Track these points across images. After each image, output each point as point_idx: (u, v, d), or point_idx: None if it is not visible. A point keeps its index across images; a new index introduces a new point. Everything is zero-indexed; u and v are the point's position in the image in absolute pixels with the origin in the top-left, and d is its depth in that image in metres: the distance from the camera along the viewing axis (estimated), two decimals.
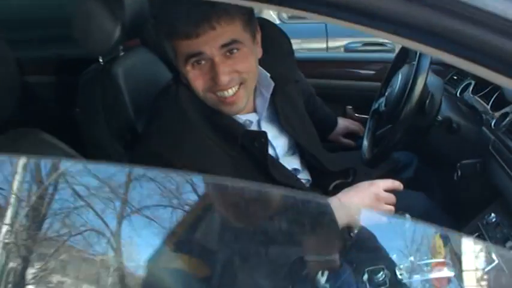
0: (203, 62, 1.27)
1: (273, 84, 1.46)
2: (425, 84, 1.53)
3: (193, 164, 1.29)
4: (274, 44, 1.57)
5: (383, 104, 1.80)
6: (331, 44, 3.57)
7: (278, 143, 1.52)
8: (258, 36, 1.39)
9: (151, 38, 2.19)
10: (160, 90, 1.46)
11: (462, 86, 1.88)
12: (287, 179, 1.45)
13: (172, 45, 1.28)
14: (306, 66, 2.20)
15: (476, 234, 1.47)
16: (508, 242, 1.35)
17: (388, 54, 2.92)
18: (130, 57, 1.74)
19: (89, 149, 1.59)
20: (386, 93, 1.80)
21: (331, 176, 1.71)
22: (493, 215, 1.45)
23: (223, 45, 1.25)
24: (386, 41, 3.12)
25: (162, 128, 1.36)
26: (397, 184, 1.36)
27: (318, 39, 3.57)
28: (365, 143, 1.87)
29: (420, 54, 1.56)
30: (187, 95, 1.37)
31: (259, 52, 1.40)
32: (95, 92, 1.60)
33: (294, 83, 1.65)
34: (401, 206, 1.56)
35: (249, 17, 1.30)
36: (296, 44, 1.51)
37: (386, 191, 1.35)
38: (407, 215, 1.33)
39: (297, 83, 1.65)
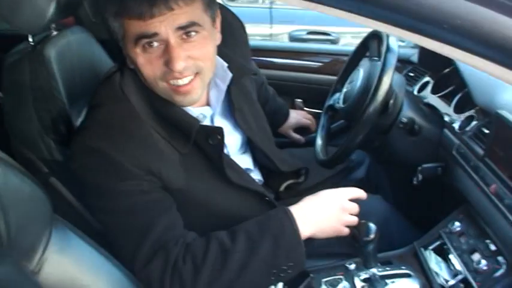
0: (155, 45, 1.12)
1: (230, 75, 1.33)
2: (390, 83, 1.44)
3: (140, 163, 1.16)
4: (231, 31, 1.44)
5: (340, 101, 1.70)
6: (275, 30, 3.47)
7: (230, 141, 1.41)
8: (218, 21, 1.26)
9: (87, 16, 2.00)
10: (102, 78, 1.29)
11: (420, 84, 1.82)
12: (243, 180, 1.35)
13: (120, 24, 1.13)
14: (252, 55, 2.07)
15: (439, 242, 1.41)
16: (474, 253, 1.29)
17: (336, 46, 2.86)
18: (64, 38, 1.53)
19: (15, 144, 1.38)
20: (344, 89, 1.70)
21: (283, 176, 1.61)
22: (456, 223, 1.39)
23: (180, 28, 1.11)
24: (331, 30, 3.06)
25: (104, 121, 1.19)
26: (361, 193, 1.31)
27: (262, 25, 3.45)
28: (319, 141, 1.77)
29: (387, 50, 1.47)
30: (133, 83, 1.22)
31: (218, 38, 1.27)
32: (23, 75, 1.37)
33: (251, 75, 1.52)
34: (360, 210, 1.49)
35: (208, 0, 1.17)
36: None
37: (350, 200, 1.29)
38: (372, 225, 1.25)
39: (254, 75, 1.52)
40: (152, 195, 1.18)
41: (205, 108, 1.33)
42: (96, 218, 1.23)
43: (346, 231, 1.27)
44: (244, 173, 1.40)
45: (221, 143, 1.26)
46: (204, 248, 1.16)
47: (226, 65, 1.34)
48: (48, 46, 1.43)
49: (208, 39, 1.18)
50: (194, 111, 1.27)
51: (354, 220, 1.27)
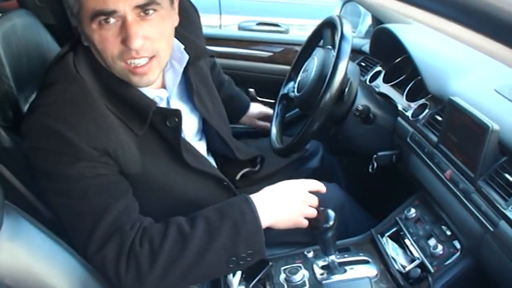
0: (112, 21, 1.09)
1: (187, 57, 1.31)
2: (345, 71, 1.44)
3: (94, 143, 1.12)
4: (187, 15, 1.40)
5: (295, 90, 1.69)
6: (225, 21, 3.43)
7: (187, 125, 1.38)
8: (176, 2, 1.23)
9: (31, 0, 1.90)
10: (54, 58, 1.24)
11: (372, 73, 1.83)
12: (200, 164, 1.34)
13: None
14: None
15: (395, 229, 1.43)
16: (430, 238, 1.31)
17: (288, 35, 2.85)
18: (9, 21, 1.45)
19: None
20: (298, 78, 1.69)
21: (238, 164, 1.59)
22: (412, 210, 1.41)
23: (139, 6, 1.09)
24: (281, 21, 3.06)
25: (57, 100, 1.14)
26: (321, 186, 1.30)
27: (211, 16, 3.41)
28: (273, 130, 1.75)
29: (341, 38, 1.47)
30: (87, 62, 1.19)
31: (176, 19, 1.24)
32: None
33: (208, 58, 1.51)
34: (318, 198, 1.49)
35: None
36: None
37: (310, 192, 1.28)
38: (331, 212, 1.25)
39: (212, 57, 1.49)
40: (107, 178, 1.15)
41: (161, 90, 1.30)
42: (50, 202, 1.17)
43: (305, 222, 1.26)
44: (202, 156, 1.38)
45: (179, 126, 1.24)
46: (162, 232, 1.14)
47: (183, 46, 1.32)
48: None
49: (166, 18, 1.16)
50: (151, 93, 1.24)
51: (313, 212, 1.26)
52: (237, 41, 2.33)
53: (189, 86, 1.37)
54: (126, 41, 1.09)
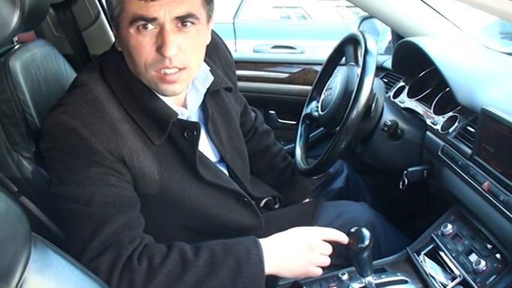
0: (150, 28, 1.12)
1: (212, 78, 1.32)
2: (371, 86, 1.41)
3: (110, 147, 1.14)
4: (214, 48, 1.43)
5: (318, 108, 1.66)
6: (240, 46, 3.44)
7: (203, 147, 1.35)
8: (211, 21, 1.24)
9: (49, 31, 1.92)
10: (88, 64, 1.28)
11: (395, 89, 1.80)
12: (217, 178, 1.31)
13: (120, 2, 1.12)
14: None
15: (431, 246, 1.37)
16: (471, 254, 1.26)
17: (306, 56, 2.84)
18: (29, 51, 1.45)
19: None
20: (322, 97, 1.66)
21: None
22: (449, 225, 1.36)
23: (179, 17, 1.12)
24: (295, 44, 3.05)
25: (79, 100, 1.17)
26: (339, 236, 1.23)
27: (226, 41, 3.42)
28: (298, 151, 1.72)
29: (365, 53, 1.44)
30: (115, 66, 1.22)
31: (208, 38, 1.25)
32: None
33: (239, 98, 1.53)
34: (346, 218, 1.45)
35: None
36: None
37: (327, 240, 1.24)
38: (365, 230, 1.20)
39: (229, 90, 1.46)
40: (116, 189, 1.15)
41: (182, 108, 1.29)
42: (57, 207, 1.17)
43: (317, 271, 1.23)
44: (219, 171, 1.35)
45: (196, 139, 1.24)
46: (163, 253, 1.13)
47: (208, 68, 1.32)
48: (12, 58, 1.34)
49: (201, 34, 1.18)
50: (172, 108, 1.24)
51: (325, 260, 1.23)
52: (254, 63, 2.32)
53: (205, 113, 1.35)
54: (162, 48, 1.11)
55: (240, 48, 3.50)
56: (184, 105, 1.31)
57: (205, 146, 1.38)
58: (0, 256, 0.81)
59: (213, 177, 1.29)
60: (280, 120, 2.24)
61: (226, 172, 1.41)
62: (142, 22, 1.10)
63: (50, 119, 1.17)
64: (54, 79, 1.52)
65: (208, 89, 1.32)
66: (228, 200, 1.34)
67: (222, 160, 1.42)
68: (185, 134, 1.23)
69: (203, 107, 1.35)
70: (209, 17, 1.21)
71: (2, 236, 0.82)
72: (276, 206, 1.62)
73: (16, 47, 1.45)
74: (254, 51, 3.03)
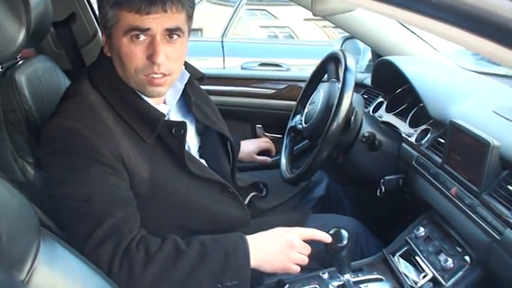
0: (142, 38, 1.25)
1: (188, 75, 1.46)
2: (351, 101, 1.53)
3: (110, 145, 1.24)
4: None
5: (302, 121, 1.78)
6: (228, 63, 3.55)
7: (190, 139, 1.49)
8: (189, 36, 1.39)
9: (49, 47, 2.02)
10: (76, 76, 1.40)
11: (374, 104, 1.92)
12: (203, 171, 1.43)
13: (116, 14, 1.25)
14: (209, 83, 2.13)
15: (405, 248, 1.48)
16: (440, 254, 1.37)
17: (291, 72, 2.95)
18: (32, 65, 1.55)
19: None
20: (305, 110, 1.78)
21: (243, 191, 1.65)
22: (421, 229, 1.47)
23: (168, 29, 1.26)
24: (282, 61, 3.18)
25: (76, 107, 1.29)
26: (321, 235, 1.32)
27: (215, 58, 3.54)
28: (283, 160, 1.84)
29: (345, 70, 1.56)
30: (105, 76, 1.34)
31: (187, 49, 1.38)
32: None
33: (203, 79, 1.61)
34: (332, 228, 1.54)
35: (192, 12, 1.33)
36: (192, 62, 1.50)
37: (307, 240, 1.34)
38: (344, 231, 1.30)
39: (201, 80, 1.59)
40: (115, 187, 1.24)
41: (162, 105, 1.42)
42: (55, 206, 1.27)
43: (295, 268, 1.32)
44: (205, 166, 1.47)
45: (184, 136, 1.36)
46: (159, 242, 1.24)
47: (184, 66, 1.46)
48: (18, 73, 1.44)
49: (184, 45, 1.33)
50: (154, 106, 1.37)
51: (303, 259, 1.32)
52: (242, 80, 2.43)
53: (187, 100, 1.49)
54: (153, 56, 1.24)
55: (228, 65, 3.61)
56: (164, 102, 1.43)
57: (192, 134, 1.51)
58: (14, 247, 0.90)
59: (200, 171, 1.40)
60: (266, 134, 2.36)
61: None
62: (136, 32, 1.23)
63: (51, 124, 1.27)
64: (55, 91, 1.62)
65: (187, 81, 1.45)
66: (214, 191, 1.45)
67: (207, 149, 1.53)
68: (173, 131, 1.34)
69: (184, 97, 1.48)
70: (189, 32, 1.35)
71: (16, 230, 0.91)
72: (263, 194, 1.75)
73: (20, 62, 1.55)
74: (242, 68, 3.15)
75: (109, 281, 1.09)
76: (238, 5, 4.61)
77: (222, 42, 3.99)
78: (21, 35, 1.39)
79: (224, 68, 3.57)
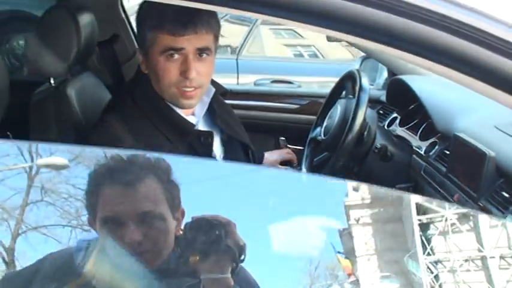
0: (176, 56, 1.42)
1: (213, 89, 1.61)
2: (364, 116, 1.69)
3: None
4: None
5: (321, 133, 1.94)
6: (242, 80, 3.71)
7: (216, 149, 1.63)
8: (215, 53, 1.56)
9: (93, 63, 2.23)
10: (115, 91, 1.62)
11: (389, 119, 2.08)
12: None
13: (154, 35, 1.43)
14: (234, 98, 2.33)
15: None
16: None
17: (314, 89, 3.12)
18: (80, 81, 1.77)
19: None
20: (324, 124, 1.94)
21: None
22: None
23: (199, 48, 1.44)
24: (294, 79, 3.33)
25: (118, 119, 1.46)
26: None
27: (228, 75, 3.70)
28: (304, 170, 1.99)
29: (360, 89, 1.72)
30: (143, 88, 1.51)
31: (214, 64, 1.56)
32: (48, 111, 1.61)
33: (226, 94, 1.80)
34: None
35: (218, 34, 1.51)
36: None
37: None
38: None
39: (224, 94, 1.77)
40: None
41: (191, 117, 1.57)
42: None
43: None
44: None
45: (211, 144, 1.54)
46: None
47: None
48: (68, 87, 1.65)
49: (212, 63, 1.51)
50: (185, 117, 1.54)
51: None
52: (271, 96, 2.62)
53: (212, 113, 1.65)
54: (186, 72, 1.42)
55: (241, 82, 3.76)
56: (193, 113, 1.59)
57: (217, 150, 1.65)
58: None
59: None
60: (289, 146, 2.52)
61: None
62: (171, 52, 1.41)
63: (97, 134, 1.46)
64: (98, 104, 1.82)
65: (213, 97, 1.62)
66: None
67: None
68: (202, 140, 1.52)
69: (210, 111, 1.63)
70: (216, 51, 1.53)
71: None
72: None
73: (69, 78, 1.76)
74: (255, 85, 3.32)
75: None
76: (254, 23, 4.85)
77: (236, 60, 4.24)
78: (73, 54, 1.61)
79: (238, 84, 3.74)
